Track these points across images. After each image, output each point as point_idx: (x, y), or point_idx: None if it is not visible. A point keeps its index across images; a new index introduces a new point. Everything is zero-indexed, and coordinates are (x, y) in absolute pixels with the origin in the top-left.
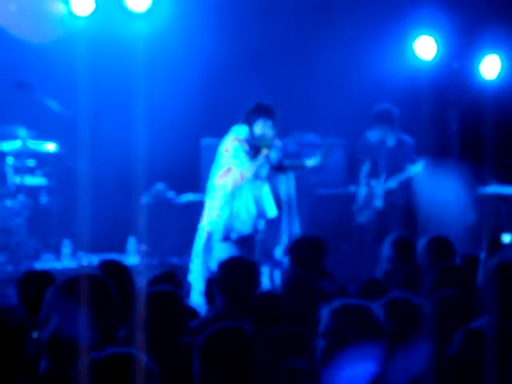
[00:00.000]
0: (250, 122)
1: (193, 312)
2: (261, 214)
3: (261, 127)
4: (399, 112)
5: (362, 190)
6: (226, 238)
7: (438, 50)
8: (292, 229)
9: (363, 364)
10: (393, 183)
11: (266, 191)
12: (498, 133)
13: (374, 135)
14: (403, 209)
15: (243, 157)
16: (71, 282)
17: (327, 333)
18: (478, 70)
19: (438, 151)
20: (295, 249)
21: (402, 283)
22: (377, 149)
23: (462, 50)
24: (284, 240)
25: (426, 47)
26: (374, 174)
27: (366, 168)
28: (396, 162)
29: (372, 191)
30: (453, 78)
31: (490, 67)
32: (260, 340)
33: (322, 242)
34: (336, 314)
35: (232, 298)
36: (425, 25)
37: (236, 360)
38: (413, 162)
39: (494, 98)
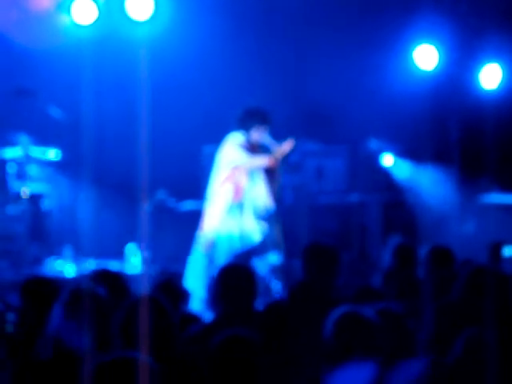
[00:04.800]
0: (245, 127)
1: (192, 318)
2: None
3: (258, 133)
4: None
5: None
6: (245, 249)
7: (439, 60)
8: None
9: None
10: None
11: (261, 192)
12: (499, 141)
13: None
14: None
15: (243, 152)
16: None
17: (330, 340)
18: (479, 79)
19: (439, 160)
20: (310, 255)
21: (400, 290)
22: None
23: (462, 60)
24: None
25: (426, 57)
26: None
27: None
28: None
29: None
30: (454, 87)
31: (490, 76)
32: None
33: (336, 251)
34: (338, 322)
35: (231, 303)
36: (426, 35)
37: (243, 367)
38: None
39: (495, 106)
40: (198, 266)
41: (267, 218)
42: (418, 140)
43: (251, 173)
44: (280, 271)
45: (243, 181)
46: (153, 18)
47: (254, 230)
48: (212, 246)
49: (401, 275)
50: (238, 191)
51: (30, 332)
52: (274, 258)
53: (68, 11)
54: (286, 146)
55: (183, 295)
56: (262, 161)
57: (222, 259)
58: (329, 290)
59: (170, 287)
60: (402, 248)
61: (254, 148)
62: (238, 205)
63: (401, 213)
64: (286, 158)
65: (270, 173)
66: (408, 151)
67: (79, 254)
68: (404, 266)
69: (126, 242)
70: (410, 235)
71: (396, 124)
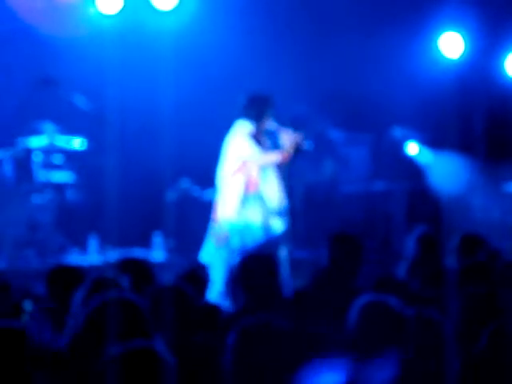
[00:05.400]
0: (253, 115)
1: (214, 308)
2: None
3: (266, 119)
4: None
5: None
6: (269, 239)
7: (464, 48)
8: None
9: (333, 372)
10: None
11: (273, 187)
12: None
13: None
14: None
15: (255, 147)
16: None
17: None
18: (505, 67)
19: (464, 148)
20: (335, 244)
21: (425, 280)
22: None
23: (488, 48)
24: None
25: (452, 45)
26: None
27: None
28: None
29: None
30: (479, 75)
31: None
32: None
33: (360, 239)
34: (363, 310)
35: (253, 293)
36: (451, 22)
37: (268, 353)
38: None
39: None
40: (216, 259)
41: (282, 212)
42: (442, 128)
43: (263, 167)
44: (289, 264)
45: (255, 173)
46: (177, 8)
47: (275, 221)
48: (228, 238)
49: (426, 264)
50: (250, 183)
51: (55, 321)
52: (285, 251)
53: (93, 1)
54: (294, 137)
55: (207, 285)
56: (275, 157)
57: (243, 249)
58: (352, 278)
59: (194, 277)
60: (425, 237)
61: (260, 136)
62: (257, 196)
63: (425, 201)
64: (297, 151)
65: (280, 166)
66: (433, 139)
67: (104, 243)
68: (428, 255)
69: (152, 232)
70: (435, 224)
71: (421, 112)
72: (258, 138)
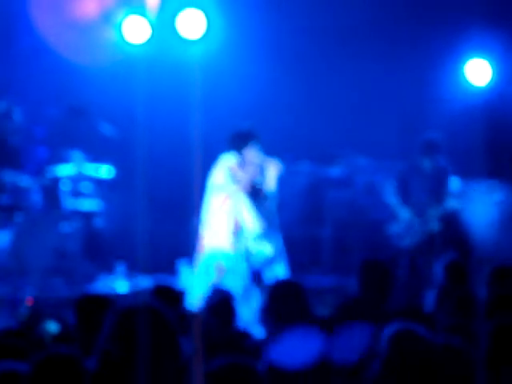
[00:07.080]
0: (237, 148)
1: (243, 334)
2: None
3: (251, 152)
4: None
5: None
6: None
7: (491, 75)
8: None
9: (307, 342)
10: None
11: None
12: None
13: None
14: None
15: (228, 178)
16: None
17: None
18: None
19: (493, 176)
20: (365, 271)
21: (454, 308)
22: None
23: None
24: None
25: (479, 72)
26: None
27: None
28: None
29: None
30: (506, 101)
31: None
32: None
33: (390, 266)
34: (392, 338)
35: (282, 319)
36: (478, 50)
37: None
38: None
39: None
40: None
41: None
42: (471, 155)
43: (235, 198)
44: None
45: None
46: (205, 36)
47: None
48: (228, 268)
49: (454, 293)
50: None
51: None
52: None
53: (120, 30)
54: (272, 167)
55: (234, 313)
56: (233, 188)
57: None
58: (383, 306)
59: (221, 306)
60: (453, 265)
61: (246, 167)
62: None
63: (455, 229)
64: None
65: (255, 193)
66: (461, 166)
67: (132, 271)
68: (456, 284)
69: (179, 258)
70: (464, 251)
71: (448, 139)
72: (242, 168)
